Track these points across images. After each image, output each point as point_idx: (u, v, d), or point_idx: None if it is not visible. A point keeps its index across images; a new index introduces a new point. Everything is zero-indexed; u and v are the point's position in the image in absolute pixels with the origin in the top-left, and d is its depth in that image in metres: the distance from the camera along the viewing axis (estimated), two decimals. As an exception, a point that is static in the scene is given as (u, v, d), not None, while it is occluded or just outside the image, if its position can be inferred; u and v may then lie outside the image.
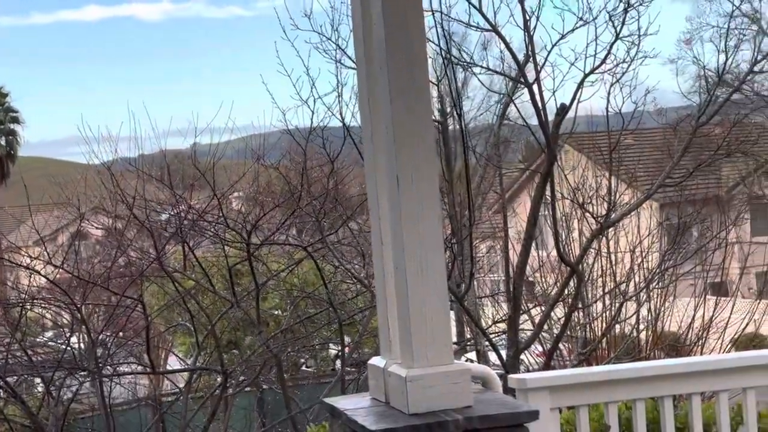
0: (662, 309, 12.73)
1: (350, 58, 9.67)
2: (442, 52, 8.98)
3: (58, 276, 11.41)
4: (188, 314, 11.22)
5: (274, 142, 13.44)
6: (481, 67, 9.85)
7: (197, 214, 11.16)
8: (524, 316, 10.89)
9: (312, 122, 10.33)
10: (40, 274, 11.12)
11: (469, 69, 10.09)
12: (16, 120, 48.08)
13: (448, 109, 9.81)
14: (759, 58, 11.50)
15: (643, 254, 12.58)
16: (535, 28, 8.91)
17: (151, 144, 13.41)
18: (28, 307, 12.00)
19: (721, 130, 14.30)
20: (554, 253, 10.49)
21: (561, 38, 8.84)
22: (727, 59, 11.02)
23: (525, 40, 8.95)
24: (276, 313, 15.47)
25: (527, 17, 8.89)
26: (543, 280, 13.47)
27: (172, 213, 12.21)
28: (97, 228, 15.15)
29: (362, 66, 3.97)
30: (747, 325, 12.77)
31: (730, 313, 12.70)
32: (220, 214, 10.92)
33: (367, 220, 13.17)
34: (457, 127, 10.25)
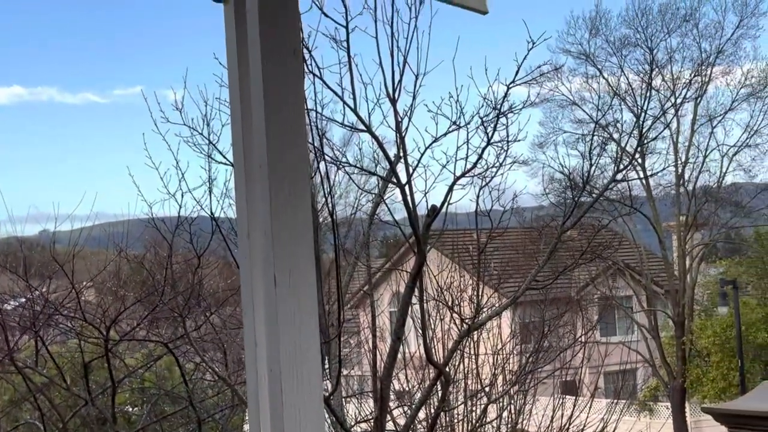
0: (523, 410, 12.87)
1: (221, 153, 9.58)
2: (315, 150, 8.99)
3: None
4: (38, 412, 10.67)
5: (138, 234, 13.12)
6: (354, 166, 9.91)
7: (53, 306, 10.72)
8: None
9: (179, 216, 10.13)
10: None
11: (342, 168, 10.13)
12: None
13: (319, 206, 9.77)
14: (620, 167, 11.95)
15: (505, 358, 12.73)
16: (407, 129, 9.04)
17: (2, 230, 12.88)
18: None
19: (577, 232, 14.76)
20: (419, 350, 10.48)
21: (434, 141, 9.01)
22: (591, 166, 11.41)
23: (396, 141, 9.05)
24: (128, 409, 14.92)
25: (399, 119, 9.01)
26: (407, 380, 13.44)
27: (25, 305, 11.71)
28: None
29: (240, 165, 3.85)
30: (605, 427, 12.99)
31: (587, 416, 12.93)
32: (78, 308, 10.52)
33: (230, 315, 12.98)
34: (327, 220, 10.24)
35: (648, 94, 32.95)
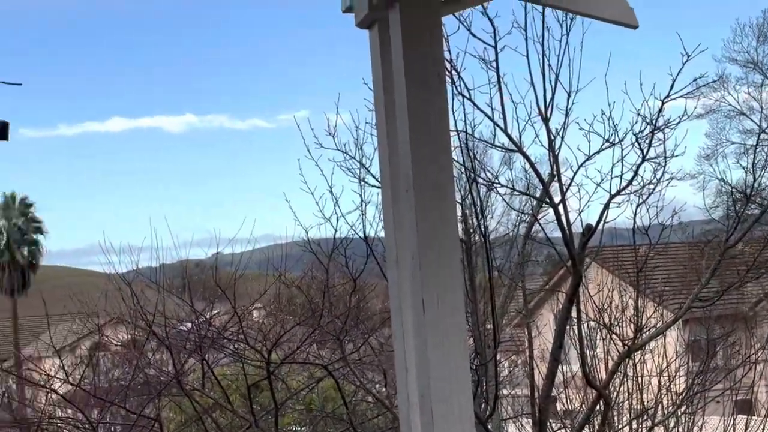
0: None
1: (374, 176, 9.66)
2: (467, 172, 8.96)
3: (75, 391, 11.26)
4: (206, 433, 10.99)
5: (296, 256, 13.37)
6: (507, 187, 9.83)
7: (217, 331, 11.03)
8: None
9: (334, 240, 10.25)
10: (57, 393, 10.95)
11: (494, 188, 10.05)
12: (39, 230, 48.54)
13: (471, 228, 9.71)
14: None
15: (671, 378, 12.30)
16: (559, 148, 8.91)
17: (171, 254, 13.41)
18: (45, 426, 11.80)
19: (747, 247, 14.16)
20: (578, 370, 10.26)
21: (587, 159, 8.82)
22: (755, 179, 10.94)
23: (550, 160, 8.93)
24: (295, 429, 15.19)
25: (552, 137, 8.89)
26: (568, 400, 13.18)
27: (192, 330, 12.09)
28: (116, 345, 15.01)
29: (387, 187, 3.88)
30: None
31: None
32: (240, 331, 10.79)
33: (389, 337, 13.05)
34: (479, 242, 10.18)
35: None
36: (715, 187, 28.39)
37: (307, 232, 10.38)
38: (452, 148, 6.15)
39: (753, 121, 33.10)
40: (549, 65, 8.91)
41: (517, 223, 13.14)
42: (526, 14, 8.90)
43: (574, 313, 9.34)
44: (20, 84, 4.55)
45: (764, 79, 32.71)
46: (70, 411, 11.79)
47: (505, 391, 14.98)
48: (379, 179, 4.07)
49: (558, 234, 9.06)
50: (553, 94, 8.92)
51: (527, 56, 8.92)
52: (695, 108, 9.96)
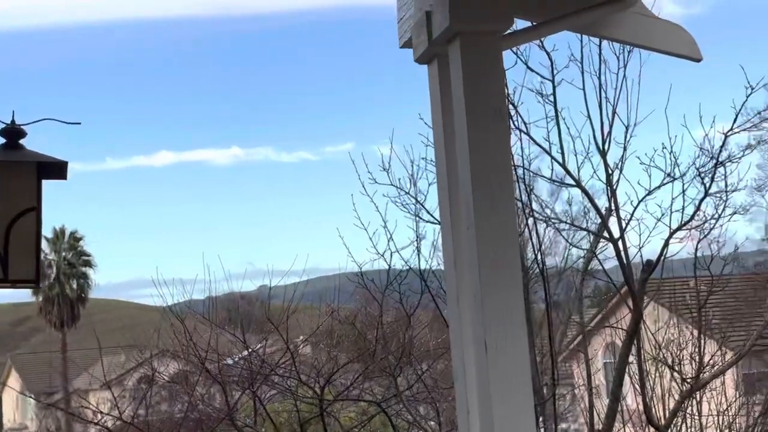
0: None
1: (428, 212, 9.58)
2: (524, 207, 8.85)
3: (128, 427, 11.24)
4: (257, 471, 10.89)
5: (349, 290, 13.28)
6: (565, 222, 9.69)
7: (270, 367, 10.97)
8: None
9: (388, 275, 10.15)
10: (108, 430, 10.94)
11: (552, 224, 9.92)
12: (88, 263, 49.08)
13: (528, 263, 9.57)
14: None
15: (734, 416, 11.98)
16: (617, 182, 8.76)
17: (219, 287, 13.41)
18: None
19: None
20: (637, 408, 10.03)
21: (648, 194, 8.68)
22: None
23: (608, 194, 8.78)
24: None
25: (609, 171, 8.76)
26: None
27: (244, 365, 12.04)
28: (167, 380, 15.01)
29: (447, 225, 3.79)
30: None
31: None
32: (293, 368, 10.71)
33: (442, 372, 12.90)
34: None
35: None
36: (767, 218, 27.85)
37: (360, 268, 10.30)
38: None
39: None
40: (606, 98, 8.81)
41: (567, 255, 12.96)
42: (582, 47, 8.83)
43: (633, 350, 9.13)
44: (79, 123, 4.55)
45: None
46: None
47: (563, 426, 14.73)
48: (437, 216, 3.97)
49: (614, 265, 8.92)
50: (611, 127, 8.82)
51: (584, 89, 8.83)
52: (755, 138, 9.78)
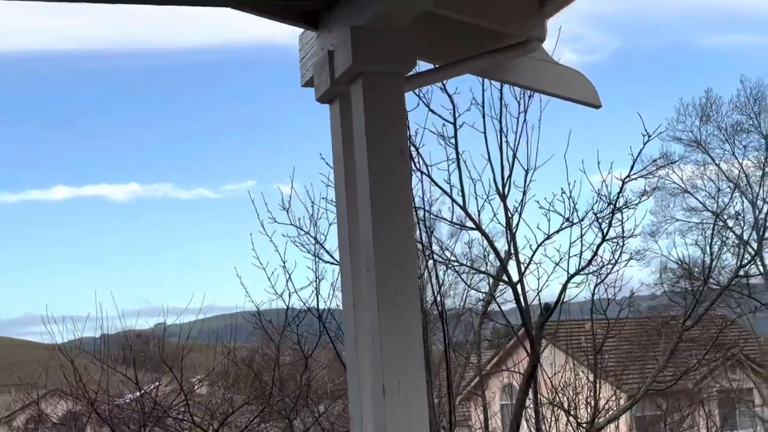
0: None
1: (328, 252, 9.50)
2: (424, 248, 8.84)
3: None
4: None
5: (244, 327, 13.08)
6: (465, 265, 9.71)
7: (163, 409, 10.69)
8: None
9: (286, 316, 10.02)
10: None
11: (452, 266, 9.93)
12: (-25, 299, 47.53)
13: (428, 305, 9.55)
14: (743, 262, 11.51)
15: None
16: (517, 225, 8.83)
17: (113, 324, 13.04)
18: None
19: (699, 327, 14.11)
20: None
21: (547, 238, 8.76)
22: (712, 261, 10.96)
23: (507, 238, 8.84)
24: None
25: (509, 215, 8.82)
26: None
27: (135, 406, 11.72)
28: (54, 421, 14.53)
29: (347, 266, 3.73)
30: None
31: None
32: (187, 410, 10.46)
33: (339, 416, 12.77)
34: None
35: (761, 182, 32.00)
36: (660, 263, 28.62)
37: (258, 309, 10.14)
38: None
39: (697, 199, 33.54)
40: (507, 142, 8.90)
41: (466, 297, 13.01)
42: (483, 91, 8.90)
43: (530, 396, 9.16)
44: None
45: (707, 158, 33.24)
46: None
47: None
48: (337, 257, 3.91)
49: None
50: (511, 171, 8.90)
51: (485, 133, 8.91)
52: (649, 184, 10.01)
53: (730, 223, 26.54)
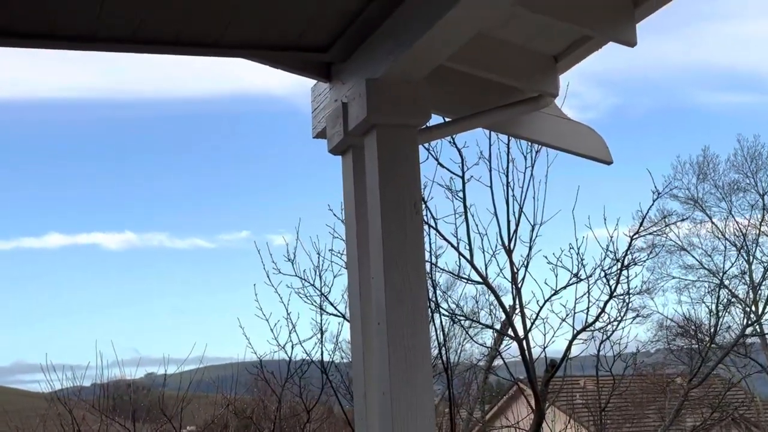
0: None
1: (332, 304, 9.45)
2: (431, 303, 8.79)
3: None
4: None
5: (246, 381, 12.94)
6: (470, 320, 9.66)
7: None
8: None
9: (288, 368, 9.93)
10: None
11: (458, 321, 9.87)
12: (-32, 347, 47.24)
13: (432, 359, 9.47)
14: (748, 322, 11.45)
15: None
16: (523, 280, 8.79)
17: (105, 373, 12.90)
18: None
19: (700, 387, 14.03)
20: None
21: (554, 294, 8.72)
22: (718, 321, 10.91)
23: (512, 293, 8.81)
24: None
25: (515, 270, 8.79)
26: None
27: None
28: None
29: (357, 319, 3.70)
30: None
31: None
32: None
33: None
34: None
35: (758, 241, 32.01)
36: (656, 321, 28.51)
37: (261, 361, 10.04)
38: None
39: (693, 256, 33.50)
40: (513, 196, 8.91)
41: (461, 351, 12.90)
42: (490, 145, 8.94)
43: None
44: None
45: (704, 216, 33.25)
46: None
47: None
48: (342, 309, 3.86)
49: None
50: (517, 225, 8.90)
51: (491, 187, 8.93)
52: (645, 243, 9.98)
53: (728, 282, 26.51)
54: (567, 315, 8.82)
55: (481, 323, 10.14)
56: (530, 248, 8.87)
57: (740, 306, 17.06)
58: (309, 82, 4.14)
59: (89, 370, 12.31)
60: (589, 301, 8.88)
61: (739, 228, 32.78)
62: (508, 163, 8.90)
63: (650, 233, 9.09)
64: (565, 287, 8.75)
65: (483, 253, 8.87)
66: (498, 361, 10.68)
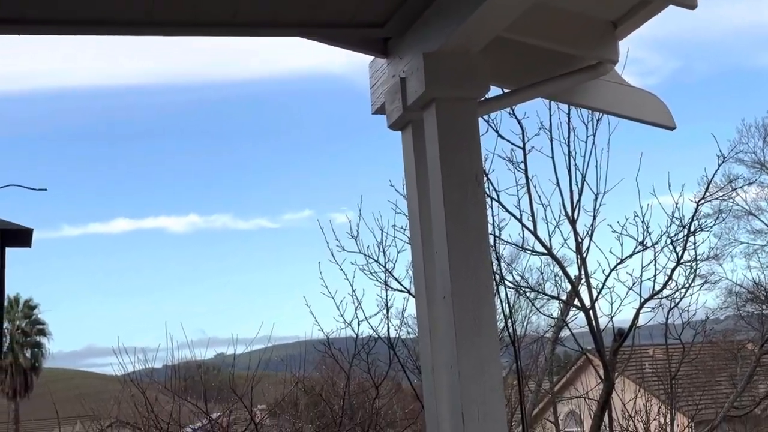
0: None
1: (397, 280, 9.47)
2: (495, 276, 8.77)
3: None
4: None
5: (314, 358, 13.03)
6: (536, 291, 9.62)
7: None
8: None
9: (356, 345, 9.99)
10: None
11: (523, 293, 9.84)
12: (42, 332, 48.33)
13: (498, 331, 9.46)
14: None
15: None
16: (587, 250, 8.72)
17: (175, 355, 13.10)
18: None
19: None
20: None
21: (620, 262, 8.64)
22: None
23: (578, 263, 8.74)
24: None
25: (579, 240, 8.72)
26: None
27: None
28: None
29: (422, 294, 3.70)
30: None
31: None
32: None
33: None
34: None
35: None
36: (725, 287, 28.07)
37: (328, 338, 10.11)
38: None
39: (762, 221, 32.88)
40: (575, 166, 8.83)
41: (546, 327, 12.83)
42: (551, 115, 8.86)
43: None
44: (45, 189, 4.45)
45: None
46: None
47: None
48: (406, 284, 3.87)
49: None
50: (580, 195, 8.82)
51: (552, 157, 8.85)
52: (711, 208, 9.81)
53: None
54: (634, 283, 8.75)
55: (546, 294, 10.12)
56: (594, 217, 8.81)
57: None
58: (366, 59, 4.14)
59: (159, 352, 12.52)
60: (655, 269, 8.80)
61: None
62: (569, 132, 8.82)
63: (716, 198, 8.94)
64: (630, 256, 8.67)
65: (546, 224, 8.83)
66: (565, 332, 10.62)
